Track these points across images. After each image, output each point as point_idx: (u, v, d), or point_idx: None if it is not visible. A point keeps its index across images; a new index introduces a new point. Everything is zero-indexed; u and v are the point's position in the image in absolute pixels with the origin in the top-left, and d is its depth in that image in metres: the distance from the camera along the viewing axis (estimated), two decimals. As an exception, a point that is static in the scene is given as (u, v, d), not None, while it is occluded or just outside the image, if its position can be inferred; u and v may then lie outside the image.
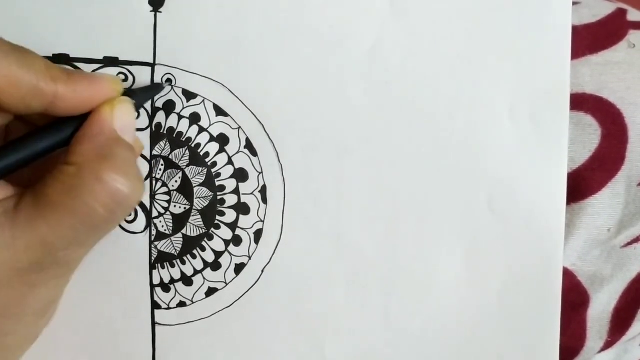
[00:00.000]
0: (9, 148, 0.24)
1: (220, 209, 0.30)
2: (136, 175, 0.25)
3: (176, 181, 0.30)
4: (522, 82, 0.30)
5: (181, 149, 0.30)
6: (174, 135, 0.30)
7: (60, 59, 0.29)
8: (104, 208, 0.23)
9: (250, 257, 0.30)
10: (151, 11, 0.29)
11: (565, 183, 0.30)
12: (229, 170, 0.30)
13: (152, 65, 0.29)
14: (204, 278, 0.30)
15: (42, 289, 0.25)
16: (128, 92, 0.27)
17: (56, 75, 0.24)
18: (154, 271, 0.30)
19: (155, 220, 0.30)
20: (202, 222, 0.30)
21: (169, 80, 0.29)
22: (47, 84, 0.23)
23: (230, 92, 0.30)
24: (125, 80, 0.29)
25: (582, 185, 0.31)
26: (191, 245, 0.30)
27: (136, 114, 0.27)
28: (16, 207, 0.23)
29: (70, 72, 0.25)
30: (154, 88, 0.29)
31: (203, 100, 0.30)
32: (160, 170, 0.30)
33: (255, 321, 0.30)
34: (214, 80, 0.30)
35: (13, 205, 0.24)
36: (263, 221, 0.30)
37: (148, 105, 0.30)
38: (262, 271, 0.30)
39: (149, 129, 0.30)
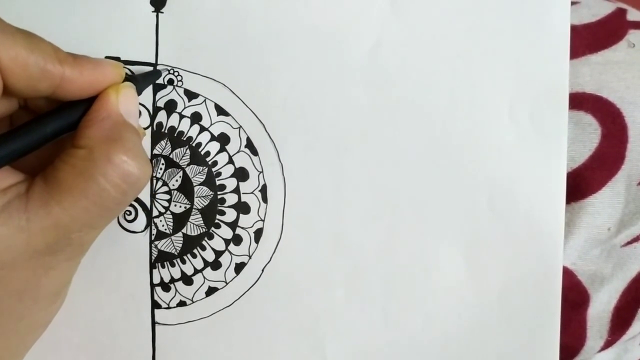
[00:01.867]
0: (17, 132, 0.24)
1: (220, 208, 0.30)
2: (144, 157, 0.25)
3: (177, 180, 0.30)
4: (521, 81, 0.30)
5: (182, 148, 0.30)
6: (175, 135, 0.30)
7: (62, 59, 0.29)
8: (115, 189, 0.24)
9: (250, 257, 0.30)
10: (153, 11, 0.30)
11: (565, 182, 0.30)
12: (230, 169, 0.30)
13: (154, 65, 0.30)
14: (204, 277, 0.30)
15: (55, 271, 0.25)
16: (129, 78, 0.27)
17: (63, 57, 0.24)
18: (154, 270, 0.30)
19: (156, 220, 0.30)
20: (202, 222, 0.30)
21: (167, 71, 0.30)
22: (55, 66, 0.24)
23: (232, 91, 0.30)
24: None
25: (582, 184, 0.31)
26: (191, 244, 0.30)
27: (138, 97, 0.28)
28: (28, 192, 0.24)
29: (76, 56, 0.25)
30: (154, 74, 0.29)
31: (204, 100, 0.30)
32: (161, 169, 0.30)
33: (255, 320, 0.30)
34: (215, 80, 0.30)
35: (25, 190, 0.24)
36: (263, 220, 0.30)
37: (149, 104, 0.30)
38: (262, 270, 0.30)
39: (150, 128, 0.30)
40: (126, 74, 0.27)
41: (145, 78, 0.29)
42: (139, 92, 0.28)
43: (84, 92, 0.25)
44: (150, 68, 0.30)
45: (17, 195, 0.24)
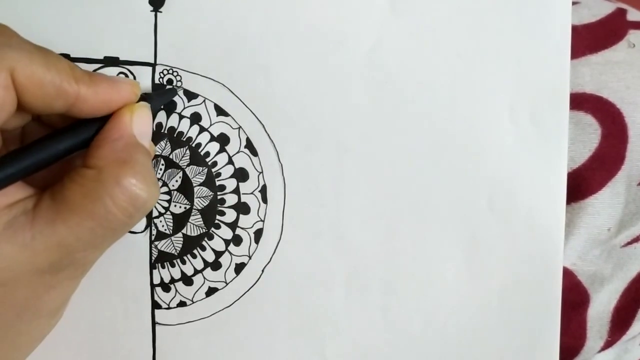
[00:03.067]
0: (30, 149, 0.24)
1: (220, 208, 0.30)
2: (153, 180, 0.25)
3: (176, 181, 0.30)
4: (522, 82, 0.30)
5: (182, 149, 0.30)
6: (175, 135, 0.30)
7: (61, 59, 0.29)
8: (122, 212, 0.24)
9: (250, 257, 0.30)
10: (152, 11, 0.29)
11: (565, 182, 0.30)
12: (229, 169, 0.30)
13: (153, 65, 0.30)
14: (204, 278, 0.30)
15: (56, 289, 0.25)
16: (144, 97, 0.27)
17: (79, 76, 0.24)
18: (154, 271, 0.30)
19: (156, 220, 0.30)
20: (202, 222, 0.30)
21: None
22: (71, 85, 0.24)
23: (231, 92, 0.30)
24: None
25: (582, 184, 0.31)
26: (191, 244, 0.30)
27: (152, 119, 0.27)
28: (35, 208, 0.24)
29: (92, 74, 0.25)
30: (169, 92, 0.29)
31: (204, 100, 0.30)
32: (161, 169, 0.30)
33: (255, 321, 0.30)
34: (214, 80, 0.30)
35: (32, 206, 0.24)
36: (263, 221, 0.30)
37: (149, 105, 0.30)
38: (262, 271, 0.30)
39: (149, 129, 0.30)
40: (144, 93, 0.27)
41: (161, 96, 0.29)
42: (154, 111, 0.28)
43: (98, 110, 0.25)
44: (150, 68, 0.29)
45: (23, 211, 0.24)
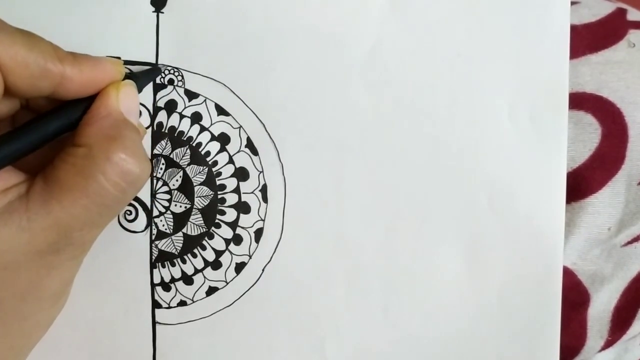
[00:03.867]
0: (18, 132, 0.24)
1: (220, 208, 0.30)
2: (144, 155, 0.25)
3: (177, 180, 0.30)
4: (521, 81, 0.30)
5: (182, 148, 0.30)
6: (175, 135, 0.30)
7: (63, 59, 0.29)
8: (115, 187, 0.24)
9: (250, 256, 0.30)
10: (153, 12, 0.30)
11: (565, 182, 0.30)
12: (230, 169, 0.30)
13: (155, 65, 0.30)
14: (205, 277, 0.30)
15: (58, 270, 0.25)
16: (129, 76, 0.27)
17: (63, 56, 0.24)
18: (154, 270, 0.30)
19: (156, 219, 0.30)
20: (202, 221, 0.30)
21: (167, 68, 0.30)
22: (55, 65, 0.24)
23: (232, 91, 0.30)
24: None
25: (582, 184, 0.31)
26: (192, 244, 0.30)
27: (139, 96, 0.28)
28: (28, 192, 0.24)
29: (75, 54, 0.25)
30: (154, 71, 0.29)
31: (204, 100, 0.30)
32: (161, 169, 0.30)
33: (255, 320, 0.30)
34: (215, 80, 0.30)
35: (25, 190, 0.24)
36: (263, 220, 0.30)
37: (150, 104, 0.30)
38: (263, 270, 0.30)
39: (150, 128, 0.30)
40: (127, 71, 0.27)
41: (146, 75, 0.29)
42: (140, 90, 0.28)
43: (84, 90, 0.25)
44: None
45: (18, 196, 0.24)
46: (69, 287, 0.28)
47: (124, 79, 0.27)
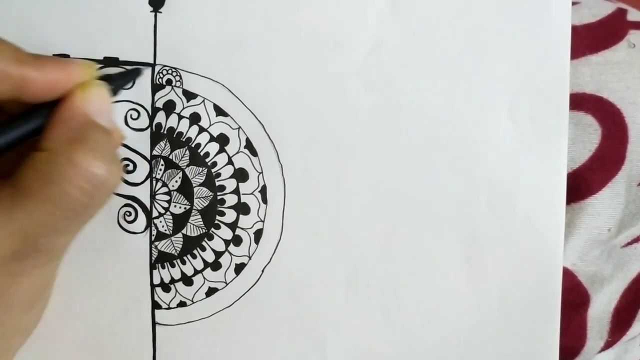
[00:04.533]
0: None
1: (220, 209, 0.30)
2: (112, 157, 0.24)
3: (176, 181, 0.30)
4: (521, 82, 0.30)
5: (181, 149, 0.30)
6: (174, 135, 0.30)
7: (61, 59, 0.29)
8: (80, 192, 0.23)
9: (250, 257, 0.30)
10: (151, 11, 0.29)
11: (565, 183, 0.30)
12: (229, 170, 0.30)
13: (152, 66, 0.30)
14: (204, 278, 0.30)
15: (26, 278, 0.25)
16: (105, 77, 0.26)
17: (23, 58, 0.24)
18: (154, 271, 0.30)
19: (156, 220, 0.30)
20: (202, 222, 0.30)
21: (148, 65, 0.29)
22: (15, 67, 0.23)
23: (230, 92, 0.30)
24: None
25: (582, 185, 0.31)
26: (191, 245, 0.30)
27: (113, 97, 0.26)
28: None
29: (38, 56, 0.24)
30: (133, 73, 0.28)
31: (203, 101, 0.30)
32: (161, 170, 0.30)
33: (255, 321, 0.30)
34: (214, 81, 0.30)
35: None
36: (263, 221, 0.30)
37: (148, 105, 0.30)
38: (262, 271, 0.30)
39: (149, 129, 0.30)
40: (105, 74, 0.26)
41: (123, 76, 0.28)
42: (116, 91, 0.27)
43: (49, 93, 0.24)
44: (150, 68, 0.29)
45: None
46: (45, 294, 0.27)
47: (99, 80, 0.26)
